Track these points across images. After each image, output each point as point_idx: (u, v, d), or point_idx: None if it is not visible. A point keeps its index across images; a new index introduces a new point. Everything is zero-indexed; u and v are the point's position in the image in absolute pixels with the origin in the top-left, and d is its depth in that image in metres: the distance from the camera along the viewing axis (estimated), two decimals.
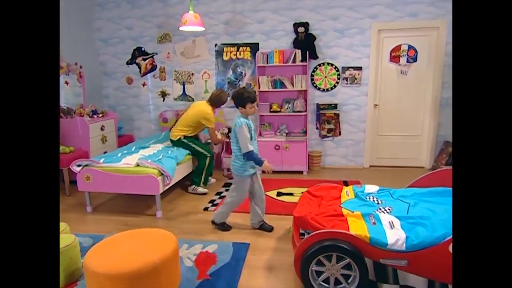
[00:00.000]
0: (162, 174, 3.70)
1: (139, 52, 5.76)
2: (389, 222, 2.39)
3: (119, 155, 4.12)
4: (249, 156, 3.08)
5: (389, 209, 2.68)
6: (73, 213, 3.86)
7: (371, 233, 2.26)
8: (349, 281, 2.29)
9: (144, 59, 5.78)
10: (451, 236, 2.07)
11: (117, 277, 2.05)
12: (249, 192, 3.34)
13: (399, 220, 2.44)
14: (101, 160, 3.83)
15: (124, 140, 5.62)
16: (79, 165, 3.77)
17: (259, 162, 3.14)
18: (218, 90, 4.64)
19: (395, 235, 2.22)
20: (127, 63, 5.83)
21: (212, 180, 4.84)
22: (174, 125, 4.69)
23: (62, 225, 2.69)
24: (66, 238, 2.46)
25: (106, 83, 5.97)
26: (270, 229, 3.39)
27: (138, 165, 3.73)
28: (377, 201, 2.88)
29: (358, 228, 2.33)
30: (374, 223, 2.40)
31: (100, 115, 5.07)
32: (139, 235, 2.46)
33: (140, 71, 5.84)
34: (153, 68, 5.79)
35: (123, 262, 2.12)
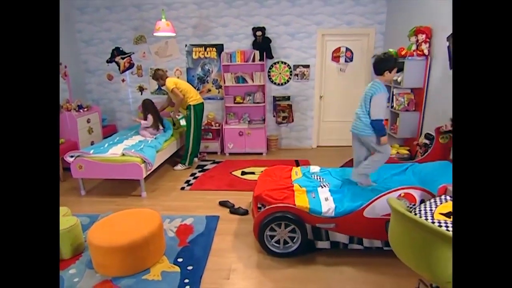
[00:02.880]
0: (144, 161, 3.86)
1: (117, 51, 5.71)
2: (325, 196, 2.79)
3: (106, 145, 4.20)
4: (378, 123, 2.73)
5: (327, 185, 3.08)
6: (69, 197, 3.94)
7: (311, 204, 2.62)
8: (294, 241, 2.65)
9: (123, 58, 5.75)
10: (365, 204, 2.50)
11: (116, 249, 2.31)
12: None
13: (332, 194, 2.83)
14: (91, 151, 3.91)
15: (108, 130, 5.65)
16: (71, 156, 3.87)
17: (383, 131, 2.73)
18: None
19: (327, 206, 2.60)
20: (107, 62, 5.78)
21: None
22: (190, 94, 4.81)
23: (65, 209, 2.82)
24: (71, 219, 2.63)
25: (88, 79, 5.89)
26: (244, 212, 3.42)
27: (123, 155, 3.86)
28: (319, 179, 3.26)
29: (301, 201, 2.68)
30: (314, 197, 2.76)
31: (86, 109, 5.07)
32: (130, 214, 2.68)
33: (119, 69, 5.81)
34: (131, 66, 5.79)
35: (119, 236, 2.36)
